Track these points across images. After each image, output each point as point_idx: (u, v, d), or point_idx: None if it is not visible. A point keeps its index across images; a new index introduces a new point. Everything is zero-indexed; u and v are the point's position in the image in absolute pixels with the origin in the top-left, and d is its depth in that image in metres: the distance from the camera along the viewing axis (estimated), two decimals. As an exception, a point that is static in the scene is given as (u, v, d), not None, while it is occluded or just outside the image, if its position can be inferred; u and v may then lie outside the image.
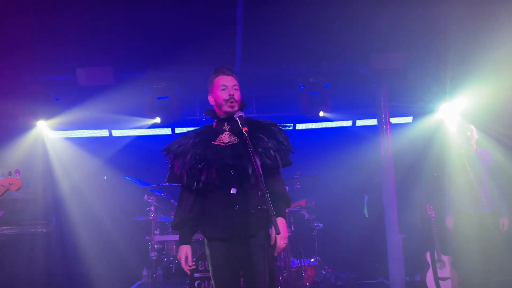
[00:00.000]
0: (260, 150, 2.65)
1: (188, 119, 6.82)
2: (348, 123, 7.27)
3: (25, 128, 5.77)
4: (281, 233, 2.48)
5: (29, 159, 5.91)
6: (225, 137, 2.75)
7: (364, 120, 7.19)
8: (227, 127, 2.80)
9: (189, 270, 2.72)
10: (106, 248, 6.45)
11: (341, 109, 6.34)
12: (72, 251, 6.26)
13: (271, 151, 2.67)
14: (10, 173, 3.16)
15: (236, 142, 2.71)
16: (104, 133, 6.99)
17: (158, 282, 5.63)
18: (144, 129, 6.42)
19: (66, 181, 6.46)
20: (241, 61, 5.37)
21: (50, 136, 6.37)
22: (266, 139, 2.69)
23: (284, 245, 2.60)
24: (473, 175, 4.78)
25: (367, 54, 5.50)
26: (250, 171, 2.58)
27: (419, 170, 6.28)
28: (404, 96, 6.04)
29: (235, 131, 2.75)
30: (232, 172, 2.62)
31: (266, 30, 4.99)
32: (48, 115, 5.64)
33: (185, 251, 2.72)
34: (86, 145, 6.80)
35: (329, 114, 5.95)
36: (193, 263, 2.74)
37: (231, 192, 2.61)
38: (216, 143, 2.73)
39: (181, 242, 2.76)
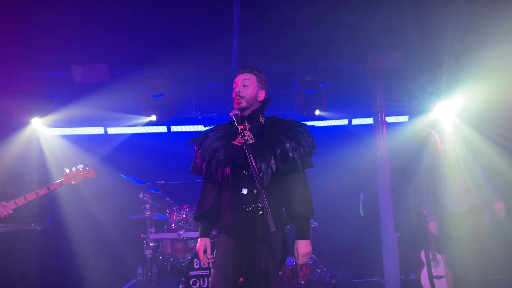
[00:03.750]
0: (277, 152, 2.62)
1: (184, 117, 6.81)
2: (344, 121, 7.28)
3: (20, 125, 5.74)
4: (300, 252, 2.64)
5: (24, 156, 5.88)
6: (245, 135, 2.71)
7: (360, 119, 7.20)
8: (247, 125, 2.79)
9: (207, 262, 2.73)
10: (101, 246, 6.43)
11: (337, 107, 6.34)
12: (67, 248, 6.24)
13: (289, 153, 2.63)
14: (86, 166, 4.14)
15: (252, 142, 2.69)
16: (99, 130, 6.97)
17: (153, 280, 5.63)
18: (140, 127, 6.38)
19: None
20: (237, 60, 5.37)
21: (45, 133, 6.34)
22: (285, 140, 2.66)
23: (305, 261, 2.67)
24: (465, 172, 4.80)
25: (363, 53, 5.52)
26: (262, 172, 2.57)
27: (415, 169, 6.29)
28: (400, 95, 6.05)
29: (255, 130, 2.76)
30: (245, 172, 2.60)
31: (262, 28, 5.00)
32: (43, 112, 5.61)
33: (204, 243, 2.74)
34: (82, 142, 6.77)
35: (325, 112, 5.94)
36: (212, 257, 2.73)
37: (242, 192, 2.60)
38: (234, 142, 2.72)
39: (201, 234, 2.78)
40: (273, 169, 2.59)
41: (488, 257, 4.78)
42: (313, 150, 2.78)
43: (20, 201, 3.68)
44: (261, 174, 2.57)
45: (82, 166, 4.12)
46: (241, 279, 2.76)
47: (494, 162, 5.00)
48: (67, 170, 4.07)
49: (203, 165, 2.75)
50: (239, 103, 2.75)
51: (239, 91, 2.76)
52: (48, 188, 3.80)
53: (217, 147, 2.72)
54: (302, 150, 2.69)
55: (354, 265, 6.44)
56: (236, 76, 2.88)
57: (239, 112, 2.72)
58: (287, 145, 2.65)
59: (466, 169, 4.77)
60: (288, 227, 5.75)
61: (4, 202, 3.63)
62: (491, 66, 5.20)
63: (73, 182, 4.05)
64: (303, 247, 2.66)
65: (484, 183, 4.78)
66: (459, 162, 4.80)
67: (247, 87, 2.78)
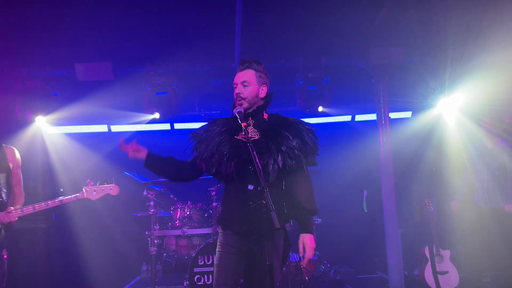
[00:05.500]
0: (283, 148, 2.61)
1: (187, 115, 6.82)
2: (347, 118, 7.28)
3: (24, 123, 5.76)
4: (308, 245, 2.66)
5: (28, 154, 5.88)
6: (248, 132, 2.68)
7: (363, 115, 7.20)
8: (251, 121, 2.76)
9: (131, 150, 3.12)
10: (106, 243, 6.46)
11: (340, 104, 6.33)
12: (72, 246, 6.26)
13: (295, 150, 2.63)
14: (106, 181, 3.84)
15: (257, 138, 2.67)
16: (103, 128, 7.00)
17: (157, 277, 5.66)
18: (143, 125, 6.40)
19: (65, 176, 6.46)
20: (240, 56, 5.36)
21: (49, 131, 6.37)
22: (291, 138, 2.66)
23: (311, 255, 2.69)
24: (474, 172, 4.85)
25: (366, 49, 5.50)
26: (269, 168, 2.57)
27: (418, 164, 6.29)
28: (404, 91, 6.04)
29: (259, 126, 2.74)
30: (251, 168, 2.53)
31: (265, 25, 4.99)
32: (47, 111, 5.62)
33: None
34: (85, 140, 6.80)
35: (328, 109, 5.93)
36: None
37: (248, 188, 2.58)
38: (239, 137, 2.70)
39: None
40: (280, 165, 2.59)
41: (493, 252, 4.78)
42: (317, 150, 2.78)
43: (28, 209, 3.53)
44: (269, 170, 2.57)
45: (106, 181, 3.80)
46: (242, 280, 2.74)
47: (500, 160, 4.99)
48: (89, 185, 3.76)
49: (203, 157, 2.72)
50: (240, 104, 2.72)
51: (239, 92, 2.73)
52: (61, 201, 3.64)
53: (220, 142, 2.69)
54: (307, 148, 2.69)
55: (357, 261, 6.45)
56: (236, 73, 2.84)
57: (242, 109, 2.69)
58: (294, 143, 2.65)
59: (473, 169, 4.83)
60: (291, 223, 5.78)
61: (10, 208, 3.48)
62: (495, 61, 5.19)
63: (90, 198, 3.73)
64: (310, 240, 2.67)
65: (494, 185, 4.81)
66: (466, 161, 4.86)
67: (247, 87, 2.74)
